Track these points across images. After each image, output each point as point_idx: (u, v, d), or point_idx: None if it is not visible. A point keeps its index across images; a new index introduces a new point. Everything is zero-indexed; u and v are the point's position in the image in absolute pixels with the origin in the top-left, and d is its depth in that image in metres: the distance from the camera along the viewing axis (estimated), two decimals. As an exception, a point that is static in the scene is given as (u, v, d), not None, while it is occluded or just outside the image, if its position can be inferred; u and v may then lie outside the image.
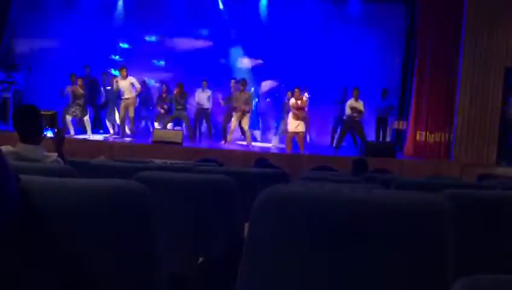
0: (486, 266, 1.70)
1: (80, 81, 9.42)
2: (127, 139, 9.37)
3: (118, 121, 9.82)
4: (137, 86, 9.48)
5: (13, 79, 10.11)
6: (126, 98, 9.37)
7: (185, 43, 11.71)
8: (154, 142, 8.48)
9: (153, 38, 11.96)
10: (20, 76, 10.35)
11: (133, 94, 9.43)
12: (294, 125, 8.90)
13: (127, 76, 9.36)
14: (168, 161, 5.39)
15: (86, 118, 9.54)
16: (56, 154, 2.85)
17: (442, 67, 9.41)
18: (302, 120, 8.94)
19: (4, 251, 0.92)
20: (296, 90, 9.02)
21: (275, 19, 11.57)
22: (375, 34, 10.89)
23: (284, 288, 1.02)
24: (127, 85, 9.36)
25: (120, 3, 11.63)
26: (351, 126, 9.55)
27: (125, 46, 11.92)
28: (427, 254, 1.01)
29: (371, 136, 9.95)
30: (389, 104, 10.12)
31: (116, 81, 9.44)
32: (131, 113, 9.51)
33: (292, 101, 8.98)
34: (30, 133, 2.69)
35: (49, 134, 3.06)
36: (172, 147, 8.30)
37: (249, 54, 11.74)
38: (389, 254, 1.00)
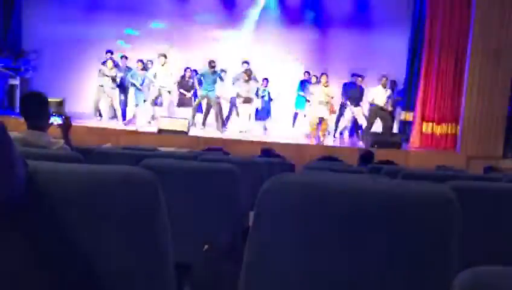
0: (489, 258, 1.70)
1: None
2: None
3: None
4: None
5: (21, 66, 10.13)
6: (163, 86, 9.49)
7: (193, 30, 11.70)
8: (160, 130, 8.49)
9: (160, 25, 11.95)
10: (28, 62, 10.37)
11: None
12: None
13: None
14: (174, 149, 5.41)
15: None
16: (63, 141, 2.87)
17: (450, 59, 9.34)
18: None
19: (10, 234, 0.93)
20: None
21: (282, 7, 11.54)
22: (382, 24, 10.84)
23: (289, 277, 1.03)
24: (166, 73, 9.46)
25: None
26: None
27: (132, 32, 11.92)
28: (432, 245, 1.01)
29: (377, 127, 9.92)
30: (396, 95, 10.07)
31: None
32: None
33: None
34: (37, 120, 2.71)
35: (57, 121, 3.07)
36: (178, 135, 8.31)
37: (257, 40, 11.70)
38: (393, 244, 1.01)
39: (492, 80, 8.60)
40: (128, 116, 10.26)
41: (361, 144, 9.27)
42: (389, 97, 9.32)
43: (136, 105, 10.05)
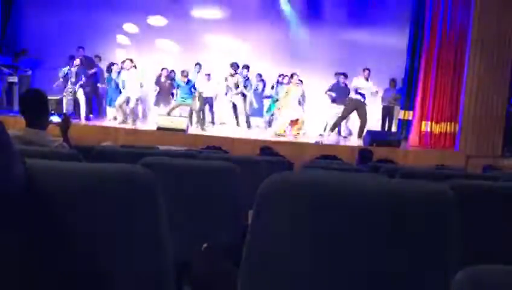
0: (488, 257, 1.70)
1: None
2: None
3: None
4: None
5: (19, 64, 10.11)
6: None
7: (190, 25, 11.70)
8: (159, 128, 8.50)
9: (158, 21, 11.97)
10: (26, 61, 10.35)
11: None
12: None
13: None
14: (173, 148, 5.40)
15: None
16: (62, 139, 2.87)
17: (449, 58, 9.34)
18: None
19: (8, 232, 0.93)
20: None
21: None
22: (381, 23, 10.84)
23: (288, 276, 1.03)
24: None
25: None
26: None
27: (130, 28, 11.94)
28: (431, 244, 1.01)
29: (376, 126, 9.93)
30: (396, 94, 10.08)
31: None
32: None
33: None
34: (36, 118, 2.71)
35: (55, 119, 3.07)
36: (177, 133, 8.32)
37: (251, 37, 11.71)
38: (393, 242, 1.01)
39: (491, 78, 8.61)
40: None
41: (357, 142, 9.32)
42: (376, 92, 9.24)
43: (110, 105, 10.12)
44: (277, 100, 9.90)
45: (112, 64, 10.47)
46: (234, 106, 9.92)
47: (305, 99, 10.21)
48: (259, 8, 11.62)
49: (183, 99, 9.70)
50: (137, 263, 0.98)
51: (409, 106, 10.17)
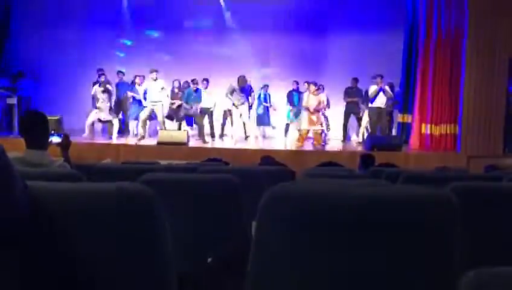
0: (494, 259, 1.70)
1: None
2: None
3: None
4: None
5: (17, 86, 10.15)
6: (155, 101, 9.34)
7: (187, 39, 11.78)
8: (160, 143, 8.50)
9: (155, 34, 12.05)
10: (24, 82, 10.39)
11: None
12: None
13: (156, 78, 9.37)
14: (174, 162, 5.41)
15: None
16: (62, 159, 2.88)
17: (446, 59, 9.36)
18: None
19: (12, 257, 0.93)
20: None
21: (274, 10, 11.63)
22: (376, 27, 10.92)
23: (293, 286, 1.03)
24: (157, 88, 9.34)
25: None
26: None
27: (128, 42, 12.02)
28: (434, 249, 1.01)
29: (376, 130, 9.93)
30: (394, 97, 10.09)
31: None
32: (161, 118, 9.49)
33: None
34: (37, 139, 2.71)
35: (55, 139, 3.07)
36: (178, 147, 8.32)
37: (250, 46, 11.76)
38: (396, 251, 1.01)
39: (489, 78, 8.62)
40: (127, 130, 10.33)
41: (357, 146, 9.36)
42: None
43: (136, 119, 10.04)
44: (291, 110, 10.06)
45: (136, 77, 10.29)
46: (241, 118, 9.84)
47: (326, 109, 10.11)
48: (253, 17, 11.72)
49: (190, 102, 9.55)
50: (140, 279, 0.97)
51: (407, 109, 10.18)
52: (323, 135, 9.37)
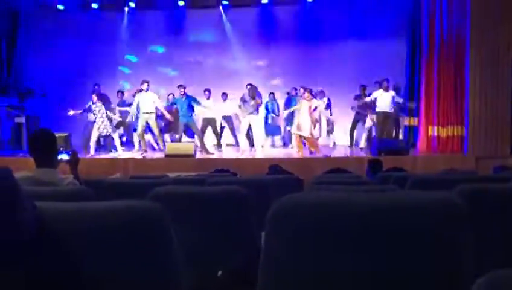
0: (506, 260, 1.69)
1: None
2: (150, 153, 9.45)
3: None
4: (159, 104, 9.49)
5: (26, 105, 10.25)
6: (147, 112, 9.31)
7: (190, 52, 11.86)
8: (167, 155, 8.54)
9: (159, 49, 12.15)
10: (33, 101, 10.49)
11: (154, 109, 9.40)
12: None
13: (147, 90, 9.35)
14: (182, 174, 5.43)
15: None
16: (72, 176, 2.90)
17: (450, 60, 9.35)
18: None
19: (17, 277, 0.93)
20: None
21: (277, 22, 11.68)
22: (380, 31, 10.95)
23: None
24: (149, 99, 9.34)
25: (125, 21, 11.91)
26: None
27: (132, 58, 12.13)
28: (444, 254, 1.01)
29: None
30: (400, 101, 10.08)
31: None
32: (156, 129, 9.52)
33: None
34: (46, 158, 2.73)
35: (64, 157, 3.10)
36: (186, 159, 8.35)
37: (254, 57, 11.83)
38: (407, 259, 1.01)
39: (494, 78, 8.58)
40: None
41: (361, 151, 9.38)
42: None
43: (134, 130, 10.08)
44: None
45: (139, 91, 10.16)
46: (249, 127, 9.81)
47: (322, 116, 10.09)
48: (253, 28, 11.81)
49: (185, 119, 9.46)
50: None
51: (413, 112, 10.16)
52: (315, 139, 9.26)
